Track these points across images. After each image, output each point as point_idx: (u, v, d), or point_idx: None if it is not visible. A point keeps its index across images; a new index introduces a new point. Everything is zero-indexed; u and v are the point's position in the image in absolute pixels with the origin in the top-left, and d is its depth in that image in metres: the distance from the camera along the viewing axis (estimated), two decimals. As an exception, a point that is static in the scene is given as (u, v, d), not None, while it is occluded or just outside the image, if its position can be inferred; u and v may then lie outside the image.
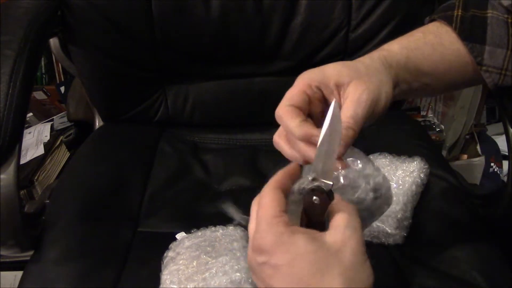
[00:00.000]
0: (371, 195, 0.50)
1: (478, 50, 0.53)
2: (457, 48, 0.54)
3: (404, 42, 0.54)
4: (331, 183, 0.42)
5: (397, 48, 0.53)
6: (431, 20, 0.58)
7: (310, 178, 0.43)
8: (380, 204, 0.51)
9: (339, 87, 0.49)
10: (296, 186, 0.43)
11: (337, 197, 0.43)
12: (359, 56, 0.96)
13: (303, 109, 0.49)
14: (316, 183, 0.42)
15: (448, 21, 0.54)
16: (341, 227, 0.41)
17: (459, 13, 0.54)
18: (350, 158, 0.50)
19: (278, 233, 0.40)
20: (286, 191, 0.43)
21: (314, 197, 0.42)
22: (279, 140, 0.51)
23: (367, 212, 0.50)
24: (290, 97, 0.48)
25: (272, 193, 0.42)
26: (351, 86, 0.48)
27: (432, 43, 0.54)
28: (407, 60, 0.53)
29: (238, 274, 0.61)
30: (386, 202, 0.51)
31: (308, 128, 0.46)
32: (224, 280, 0.60)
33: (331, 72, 0.49)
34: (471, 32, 0.53)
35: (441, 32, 0.55)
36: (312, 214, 0.43)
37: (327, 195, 0.42)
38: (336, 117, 0.41)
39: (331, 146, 0.42)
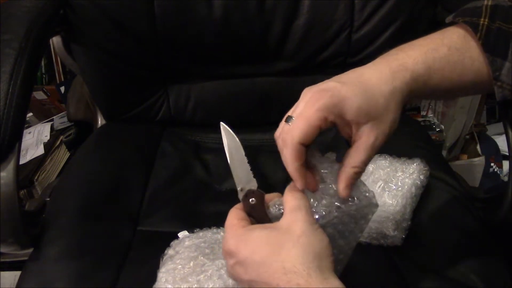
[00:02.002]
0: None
1: (498, 65, 0.52)
2: (476, 68, 0.53)
3: (430, 59, 0.52)
4: (255, 181, 0.53)
5: (421, 68, 0.51)
6: (454, 21, 0.56)
7: (239, 189, 0.53)
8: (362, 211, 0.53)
9: (355, 124, 0.49)
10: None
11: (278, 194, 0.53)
12: (361, 58, 0.96)
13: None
14: (245, 190, 0.52)
15: (474, 28, 0.53)
16: (288, 210, 0.48)
17: (486, 23, 0.53)
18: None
19: (237, 234, 0.48)
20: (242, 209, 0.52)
21: (250, 200, 0.52)
22: (281, 144, 0.51)
23: (348, 218, 0.53)
24: (305, 134, 0.47)
25: (231, 210, 0.52)
26: (367, 128, 0.48)
27: (454, 62, 0.52)
28: (427, 81, 0.52)
29: (232, 280, 0.61)
30: (370, 209, 0.53)
31: (300, 177, 0.49)
32: (218, 285, 0.60)
33: (350, 106, 0.47)
34: (495, 46, 0.52)
35: (465, 50, 0.53)
36: (257, 213, 0.51)
37: (258, 192, 0.52)
38: (229, 135, 0.53)
39: (238, 156, 0.53)
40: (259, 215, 0.51)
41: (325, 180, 0.52)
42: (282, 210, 0.50)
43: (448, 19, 0.57)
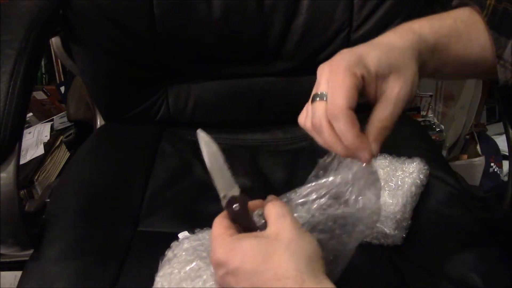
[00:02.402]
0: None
1: (502, 43, 0.52)
2: (482, 43, 0.53)
3: (435, 25, 0.53)
4: (237, 188, 0.51)
5: (428, 33, 0.52)
6: (462, 2, 0.57)
7: (222, 196, 0.52)
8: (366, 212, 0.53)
9: (378, 78, 0.48)
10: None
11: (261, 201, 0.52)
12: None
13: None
14: (228, 196, 0.51)
15: (481, 7, 0.54)
16: (274, 218, 0.48)
17: (492, 2, 0.53)
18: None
19: (225, 244, 0.48)
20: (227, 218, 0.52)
21: (234, 206, 0.50)
22: (319, 125, 0.49)
23: (352, 219, 0.53)
24: (348, 96, 0.46)
25: (216, 220, 0.51)
26: (390, 81, 0.48)
27: (460, 32, 0.53)
28: (434, 48, 0.52)
29: None
30: (376, 212, 0.53)
31: (362, 143, 0.47)
32: None
33: (371, 60, 0.47)
34: (500, 24, 0.53)
35: (470, 23, 0.54)
36: (241, 220, 0.51)
37: (241, 197, 0.51)
38: (206, 143, 0.52)
39: (217, 163, 0.52)
40: (244, 221, 0.51)
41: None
42: (264, 220, 0.50)
43: (455, 2, 0.58)
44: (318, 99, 0.47)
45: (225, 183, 0.52)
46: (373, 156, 0.48)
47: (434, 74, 0.55)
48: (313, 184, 0.55)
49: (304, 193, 0.55)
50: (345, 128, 0.46)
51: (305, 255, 0.45)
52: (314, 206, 0.53)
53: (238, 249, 0.46)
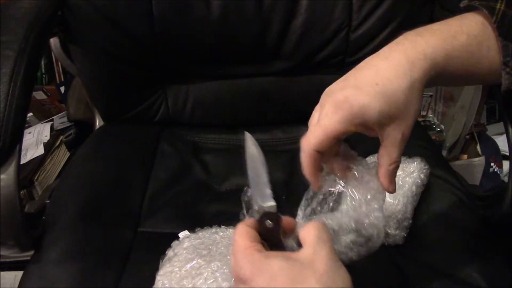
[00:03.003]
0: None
1: (510, 50, 0.51)
2: (492, 56, 0.52)
3: (449, 47, 0.50)
4: (274, 203, 0.48)
5: (441, 57, 0.50)
6: (470, 4, 0.54)
7: (255, 209, 0.48)
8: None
9: (379, 126, 0.48)
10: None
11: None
12: (360, 57, 0.96)
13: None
14: (262, 211, 0.47)
15: (490, 12, 0.52)
16: (312, 242, 0.44)
17: (502, 8, 0.52)
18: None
19: (253, 260, 0.43)
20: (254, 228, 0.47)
21: (267, 222, 0.46)
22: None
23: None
24: (320, 143, 0.48)
25: (241, 228, 0.46)
26: (392, 128, 0.48)
27: (472, 50, 0.51)
28: (445, 69, 0.51)
29: (227, 282, 0.60)
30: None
31: (315, 181, 0.51)
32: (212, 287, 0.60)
33: (372, 113, 0.47)
34: (509, 30, 0.51)
35: (483, 39, 0.52)
36: (271, 237, 0.46)
37: (276, 215, 0.47)
38: (253, 148, 0.48)
39: (258, 174, 0.48)
40: (274, 240, 0.47)
41: (358, 176, 0.51)
42: (295, 244, 0.48)
43: (464, 3, 0.56)
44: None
45: (262, 195, 0.49)
46: (393, 193, 0.51)
47: (437, 85, 0.55)
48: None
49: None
50: (304, 163, 0.49)
51: None
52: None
53: (267, 269, 0.42)
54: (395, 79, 0.48)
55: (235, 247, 0.45)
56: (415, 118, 0.49)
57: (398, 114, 0.48)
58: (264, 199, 0.48)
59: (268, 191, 0.48)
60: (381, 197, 0.52)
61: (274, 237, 0.46)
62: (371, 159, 0.76)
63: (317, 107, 0.51)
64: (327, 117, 0.47)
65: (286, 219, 0.49)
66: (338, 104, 0.47)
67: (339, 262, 0.44)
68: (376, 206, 0.51)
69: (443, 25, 0.52)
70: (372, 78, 0.48)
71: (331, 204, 0.56)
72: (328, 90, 0.50)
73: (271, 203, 0.48)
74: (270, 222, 0.46)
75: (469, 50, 0.51)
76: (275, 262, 0.43)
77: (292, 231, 0.48)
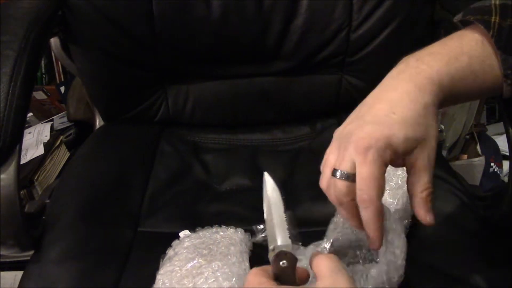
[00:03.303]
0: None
1: (510, 62, 0.51)
2: (495, 74, 0.52)
3: (452, 70, 0.50)
4: (289, 243, 0.47)
5: (446, 80, 0.50)
6: (465, 20, 0.55)
7: (271, 248, 0.48)
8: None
9: (406, 154, 0.48)
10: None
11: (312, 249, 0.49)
12: (360, 58, 0.97)
13: None
14: (277, 250, 0.47)
15: (486, 26, 0.52)
16: (327, 272, 0.44)
17: (497, 21, 0.52)
18: None
19: None
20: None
21: (281, 262, 0.46)
22: (342, 202, 0.49)
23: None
24: (378, 187, 0.47)
25: (254, 270, 0.46)
26: (417, 153, 0.48)
27: (476, 71, 0.51)
28: (451, 91, 0.51)
29: (227, 282, 0.61)
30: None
31: (380, 236, 0.49)
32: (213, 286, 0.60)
33: (398, 142, 0.47)
34: (507, 43, 0.51)
35: (484, 57, 0.52)
36: (285, 277, 0.46)
37: (291, 254, 0.46)
38: (272, 188, 0.48)
39: (277, 213, 0.47)
40: (288, 281, 0.46)
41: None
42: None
43: (458, 17, 0.56)
44: (340, 177, 0.47)
45: (278, 236, 0.48)
46: (432, 224, 0.50)
47: (445, 106, 0.55)
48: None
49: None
50: (372, 219, 0.47)
51: None
52: None
53: None
54: (410, 105, 0.48)
55: (247, 285, 0.45)
56: (437, 140, 0.49)
57: (421, 137, 0.48)
58: (281, 240, 0.48)
59: (286, 232, 0.48)
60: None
61: (288, 278, 0.46)
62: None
63: (332, 149, 0.50)
64: (362, 164, 0.46)
65: (300, 270, 0.48)
66: (363, 143, 0.46)
67: None
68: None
69: (443, 48, 0.52)
70: (388, 110, 0.48)
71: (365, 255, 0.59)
72: (341, 131, 0.50)
73: (286, 242, 0.48)
74: (284, 262, 0.46)
75: (472, 70, 0.51)
76: None
77: (304, 282, 0.48)
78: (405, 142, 0.47)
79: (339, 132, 0.50)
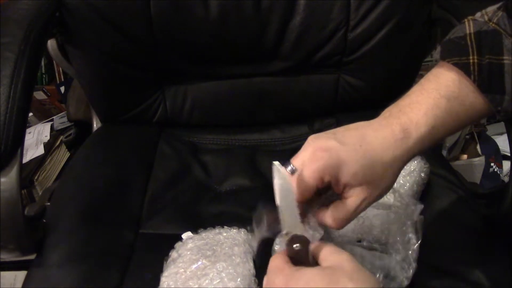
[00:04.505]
0: None
1: (498, 100, 0.52)
2: (478, 109, 0.53)
3: (431, 119, 0.51)
4: (302, 229, 0.50)
5: (424, 131, 0.51)
6: (442, 59, 0.55)
7: (284, 233, 0.49)
8: None
9: (346, 187, 0.50)
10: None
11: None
12: (357, 57, 0.97)
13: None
14: (290, 234, 0.49)
15: (465, 70, 0.52)
16: (329, 253, 0.47)
17: (475, 60, 0.52)
18: None
19: (286, 274, 0.45)
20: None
21: (295, 245, 0.48)
22: None
23: None
24: (301, 195, 0.50)
25: (274, 256, 0.49)
26: (356, 190, 0.50)
27: (456, 112, 0.52)
28: (432, 139, 0.52)
29: (233, 282, 0.61)
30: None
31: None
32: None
33: (347, 171, 0.49)
34: (490, 83, 0.52)
35: (463, 96, 0.52)
36: (299, 260, 0.48)
37: (304, 238, 0.49)
38: (281, 176, 0.48)
39: (288, 200, 0.48)
40: (303, 263, 0.48)
41: None
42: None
43: (436, 55, 0.56)
44: (290, 170, 0.50)
45: (291, 221, 0.50)
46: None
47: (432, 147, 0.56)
48: None
49: None
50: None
51: (369, 286, 0.44)
52: None
53: (301, 277, 0.44)
54: (379, 150, 0.50)
55: (268, 269, 0.48)
56: (382, 193, 0.52)
57: (370, 181, 0.50)
58: (294, 225, 0.50)
59: (298, 218, 0.50)
60: None
61: (302, 260, 0.48)
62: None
63: (299, 152, 0.52)
64: (307, 166, 0.49)
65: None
66: (320, 152, 0.49)
67: (360, 265, 0.46)
68: None
69: (421, 95, 0.53)
70: (358, 140, 0.50)
71: None
72: (315, 135, 0.52)
73: (299, 228, 0.50)
74: (298, 245, 0.48)
75: (453, 113, 0.52)
76: (307, 271, 0.45)
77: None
78: (352, 177, 0.49)
79: (314, 135, 0.52)
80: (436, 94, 0.52)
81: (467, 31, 0.54)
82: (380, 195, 0.52)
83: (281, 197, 0.48)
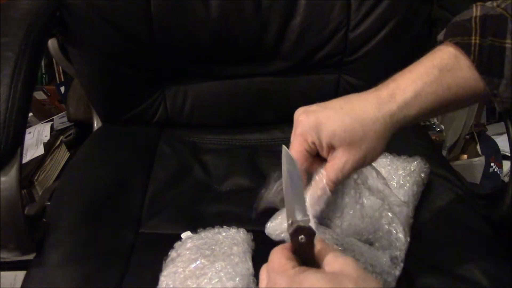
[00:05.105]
0: None
1: (495, 83, 0.52)
2: (471, 85, 0.52)
3: (419, 86, 0.52)
4: (308, 217, 0.46)
5: (410, 97, 0.52)
6: (445, 39, 0.55)
7: (289, 222, 0.47)
8: None
9: (329, 148, 0.52)
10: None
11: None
12: (358, 57, 0.97)
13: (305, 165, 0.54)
14: (295, 225, 0.46)
15: (466, 50, 0.52)
16: (332, 257, 0.45)
17: (477, 41, 0.52)
18: None
19: (289, 275, 0.43)
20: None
21: (300, 236, 0.45)
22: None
23: None
24: (297, 158, 0.53)
25: (275, 249, 0.46)
26: (339, 152, 0.52)
27: (448, 83, 0.52)
28: (418, 111, 0.52)
29: (231, 282, 0.61)
30: None
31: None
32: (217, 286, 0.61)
33: (326, 132, 0.51)
34: (489, 65, 0.51)
35: (457, 69, 0.52)
36: (303, 252, 0.46)
37: (309, 229, 0.46)
38: (290, 162, 0.48)
39: (295, 187, 0.47)
40: (306, 256, 0.46)
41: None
42: None
43: (440, 37, 0.57)
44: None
45: (297, 210, 0.47)
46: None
47: (422, 120, 0.56)
48: None
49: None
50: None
51: None
52: None
53: (304, 281, 0.43)
54: (359, 111, 0.52)
55: (270, 266, 0.46)
56: (367, 156, 0.53)
57: (350, 142, 0.51)
58: (300, 214, 0.47)
59: (304, 206, 0.47)
60: None
61: (306, 252, 0.46)
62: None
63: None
64: (293, 133, 0.53)
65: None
66: (302, 116, 0.53)
67: (365, 270, 0.46)
68: None
69: (415, 66, 0.54)
70: (341, 104, 0.53)
71: None
72: (299, 109, 0.55)
73: (305, 218, 0.47)
74: (303, 236, 0.46)
75: (444, 83, 0.52)
76: (310, 274, 0.43)
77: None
78: (331, 135, 0.51)
79: (301, 109, 0.55)
80: (429, 64, 0.53)
81: (474, 14, 0.54)
82: (365, 158, 0.53)
83: (288, 183, 0.47)
